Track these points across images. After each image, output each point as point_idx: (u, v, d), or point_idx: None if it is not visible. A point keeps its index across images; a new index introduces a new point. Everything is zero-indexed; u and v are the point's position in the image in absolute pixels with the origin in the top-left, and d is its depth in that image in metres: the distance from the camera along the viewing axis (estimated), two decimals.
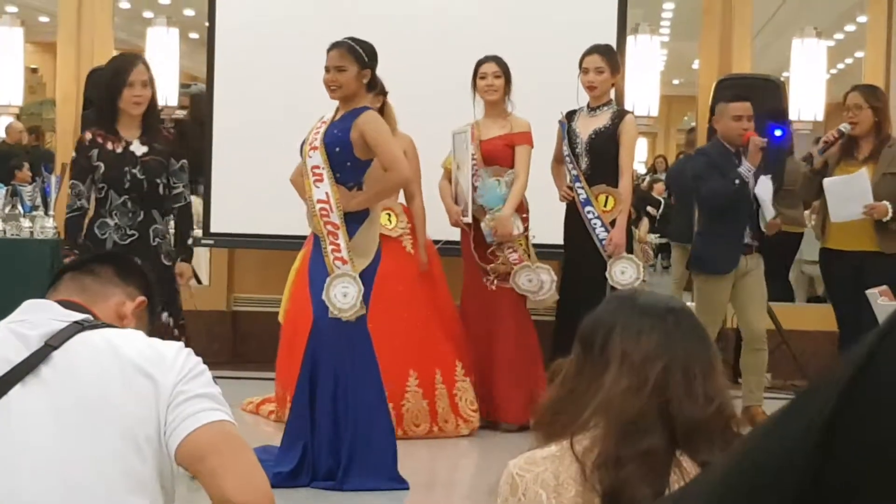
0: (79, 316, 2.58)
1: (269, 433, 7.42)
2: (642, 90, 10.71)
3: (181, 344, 2.55)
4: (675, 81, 20.26)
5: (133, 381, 2.42)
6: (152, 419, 2.42)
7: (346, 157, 6.44)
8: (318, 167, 6.49)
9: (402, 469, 6.43)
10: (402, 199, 7.96)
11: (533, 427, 2.53)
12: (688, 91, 19.07)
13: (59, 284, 2.77)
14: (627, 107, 8.85)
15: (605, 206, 7.80)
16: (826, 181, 7.75)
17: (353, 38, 6.75)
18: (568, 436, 2.37)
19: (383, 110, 7.65)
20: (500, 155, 7.91)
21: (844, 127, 7.83)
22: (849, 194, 7.63)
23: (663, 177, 17.27)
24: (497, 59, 7.97)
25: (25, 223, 9.72)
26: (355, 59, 6.59)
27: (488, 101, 7.96)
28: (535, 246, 8.01)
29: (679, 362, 2.37)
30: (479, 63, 8.00)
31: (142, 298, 2.82)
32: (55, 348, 2.47)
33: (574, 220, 7.93)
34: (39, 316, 2.56)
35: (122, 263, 2.90)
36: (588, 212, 7.79)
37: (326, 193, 6.43)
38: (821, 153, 7.92)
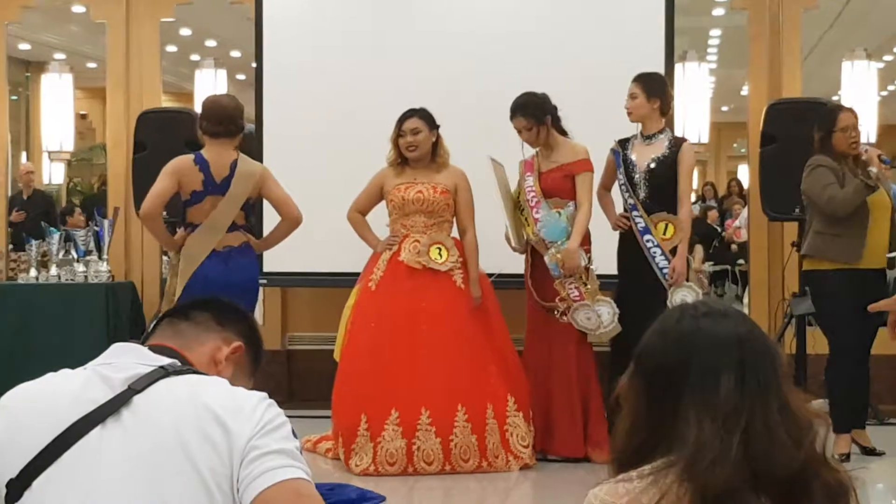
0: (165, 360, 2.55)
1: (326, 471, 7.40)
2: (692, 118, 10.65)
3: (264, 395, 2.49)
4: (724, 108, 20.15)
5: (209, 431, 2.38)
6: (226, 471, 2.37)
7: None
8: None
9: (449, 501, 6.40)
10: (454, 232, 7.94)
11: (610, 465, 2.44)
12: (737, 118, 18.97)
13: (156, 329, 2.75)
14: (676, 134, 8.74)
15: (664, 234, 7.73)
16: None
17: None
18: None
19: (437, 144, 7.75)
20: (558, 186, 7.88)
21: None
22: None
23: (715, 204, 17.21)
24: (520, 112, 7.91)
25: (79, 268, 9.76)
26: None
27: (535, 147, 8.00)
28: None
29: (761, 410, 2.25)
30: (511, 116, 7.95)
31: (238, 344, 2.77)
32: (137, 392, 2.44)
33: (629, 249, 7.86)
34: (125, 359, 2.54)
35: (222, 309, 2.84)
36: (647, 240, 7.72)
37: None
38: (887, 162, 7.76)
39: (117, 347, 2.60)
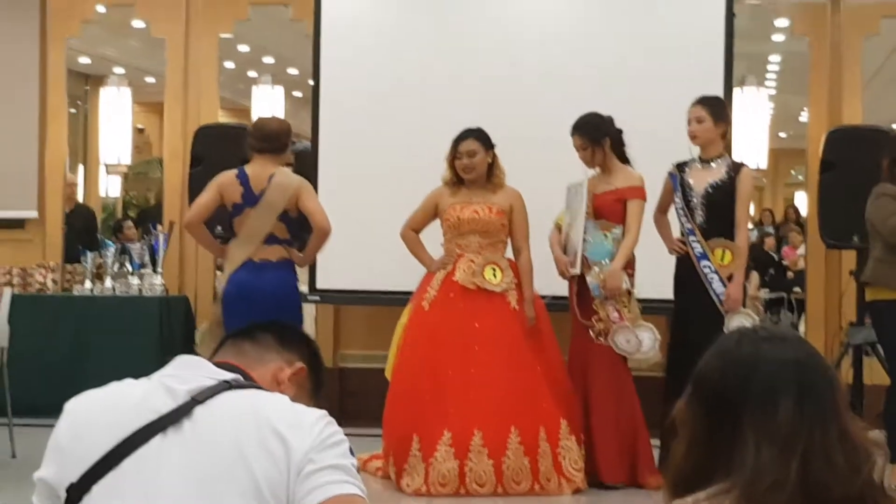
0: (229, 375, 2.56)
1: (376, 490, 7.38)
2: (750, 143, 10.58)
3: (324, 412, 2.50)
4: (782, 134, 20.07)
5: (268, 443, 2.39)
6: (282, 484, 2.37)
7: None
8: None
9: None
10: (509, 253, 7.92)
11: (665, 488, 2.41)
12: (795, 144, 18.87)
13: (219, 349, 2.77)
14: (735, 159, 8.67)
15: (721, 260, 7.67)
16: None
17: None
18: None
19: (493, 164, 7.73)
20: (609, 209, 7.84)
21: None
22: None
23: (772, 230, 17.11)
24: (578, 131, 7.90)
25: (134, 280, 9.82)
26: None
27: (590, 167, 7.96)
28: (640, 300, 7.88)
29: (819, 436, 2.22)
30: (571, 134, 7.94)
31: (301, 365, 2.77)
32: (200, 403, 2.46)
33: (686, 274, 7.79)
34: (190, 372, 2.55)
35: (284, 331, 2.85)
36: (704, 266, 7.65)
37: None
38: None
39: (182, 360, 2.62)
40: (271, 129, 7.56)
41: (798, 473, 2.17)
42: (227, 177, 7.49)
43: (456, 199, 7.84)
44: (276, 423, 2.41)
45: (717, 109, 7.87)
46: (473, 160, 7.78)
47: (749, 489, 2.18)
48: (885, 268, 7.65)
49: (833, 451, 2.21)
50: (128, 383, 2.59)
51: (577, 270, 7.80)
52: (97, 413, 2.50)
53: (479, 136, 7.84)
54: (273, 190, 7.36)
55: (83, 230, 11.64)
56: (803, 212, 18.82)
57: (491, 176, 7.86)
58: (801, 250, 15.21)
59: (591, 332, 7.67)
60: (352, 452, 2.48)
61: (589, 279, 7.73)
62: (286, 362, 2.76)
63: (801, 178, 26.29)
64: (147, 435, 2.42)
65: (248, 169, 7.48)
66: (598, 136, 7.86)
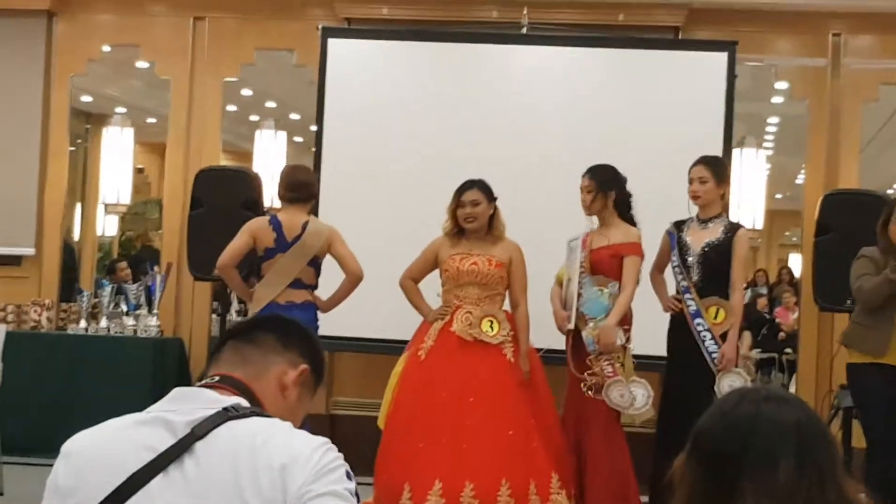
0: (228, 402, 2.57)
1: None
2: (747, 203, 10.64)
3: (324, 440, 2.52)
4: (778, 196, 20.12)
5: (266, 480, 2.41)
6: None
7: None
8: None
9: None
10: (507, 306, 7.95)
11: None
12: (791, 206, 18.92)
13: (221, 354, 2.78)
14: (732, 220, 8.71)
15: (714, 318, 7.72)
16: None
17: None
18: None
19: (494, 216, 7.79)
20: (605, 265, 7.88)
21: None
22: None
23: (765, 291, 17.14)
24: (590, 173, 7.98)
25: (129, 321, 9.84)
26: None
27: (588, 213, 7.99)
28: (634, 357, 7.91)
29: (818, 496, 2.27)
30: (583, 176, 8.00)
31: (304, 367, 2.79)
32: (199, 438, 2.47)
33: (679, 332, 7.85)
34: (188, 405, 2.57)
35: (284, 329, 2.86)
36: (698, 324, 7.71)
37: None
38: None
39: (179, 392, 2.64)
40: (301, 179, 7.99)
41: None
42: (260, 223, 7.96)
43: (456, 251, 7.89)
44: (274, 457, 2.44)
45: (719, 170, 7.95)
46: (476, 210, 7.84)
47: None
48: (856, 330, 7.69)
49: None
50: (125, 420, 2.60)
51: (570, 325, 7.84)
52: (96, 454, 2.52)
53: (483, 187, 7.92)
54: (309, 236, 7.80)
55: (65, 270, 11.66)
56: (797, 273, 18.91)
57: (491, 228, 7.92)
58: (794, 313, 15.27)
59: (583, 386, 7.69)
60: (349, 476, 2.49)
61: (584, 334, 7.76)
62: (289, 363, 2.78)
63: (795, 239, 26.40)
64: (149, 475, 2.45)
65: (281, 217, 7.90)
66: (606, 185, 7.92)
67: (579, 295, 7.82)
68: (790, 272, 18.54)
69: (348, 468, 2.50)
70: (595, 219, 8.02)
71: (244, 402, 2.61)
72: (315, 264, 7.92)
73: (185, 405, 2.57)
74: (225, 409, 2.55)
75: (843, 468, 2.36)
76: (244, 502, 2.40)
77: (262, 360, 2.76)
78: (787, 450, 2.29)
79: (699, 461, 2.37)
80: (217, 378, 2.68)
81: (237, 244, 7.87)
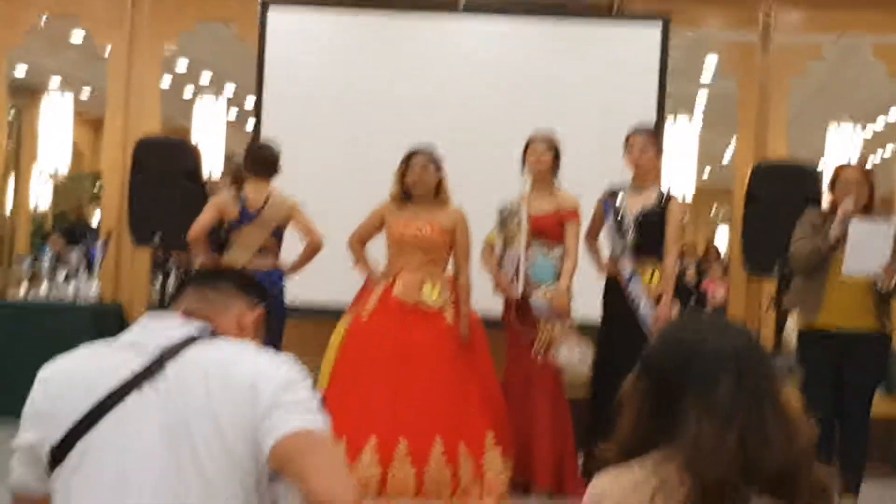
0: (195, 327, 2.71)
1: None
2: (679, 175, 10.79)
3: (288, 357, 2.67)
4: (704, 174, 20.36)
5: (237, 392, 2.54)
6: (249, 429, 2.53)
7: None
8: None
9: None
10: (450, 270, 8.09)
11: (612, 455, 2.59)
12: (717, 184, 19.18)
13: (182, 295, 2.91)
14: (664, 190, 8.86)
15: (649, 281, 7.90)
16: (855, 222, 7.19)
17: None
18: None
19: (440, 184, 7.96)
20: (550, 230, 8.05)
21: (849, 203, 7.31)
22: (871, 245, 7.18)
23: (693, 265, 17.34)
24: (547, 136, 8.14)
25: (69, 286, 9.86)
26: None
27: (537, 172, 8.10)
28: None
29: (755, 411, 2.44)
30: (531, 139, 8.16)
31: (261, 310, 2.95)
32: (169, 358, 2.60)
33: (614, 295, 8.00)
34: (158, 328, 2.70)
35: (241, 277, 3.02)
36: (632, 287, 7.87)
37: None
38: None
39: (149, 317, 2.79)
40: (268, 155, 8.45)
41: (736, 444, 2.40)
42: (226, 197, 8.40)
43: (401, 216, 7.99)
44: (243, 373, 2.58)
45: (658, 140, 8.14)
46: (425, 175, 7.95)
47: (690, 456, 2.40)
48: (795, 292, 7.64)
49: (768, 426, 2.44)
50: (97, 347, 2.74)
51: (519, 290, 7.98)
52: (71, 377, 2.65)
53: (430, 153, 8.04)
54: (270, 208, 8.33)
55: None
56: (723, 249, 19.15)
57: (438, 194, 8.03)
58: (722, 287, 15.49)
59: (536, 347, 7.86)
60: (314, 388, 2.64)
61: (533, 299, 7.92)
62: (247, 306, 2.93)
63: (720, 216, 26.70)
64: (122, 393, 2.58)
65: (246, 190, 8.36)
66: (558, 152, 8.13)
67: (526, 260, 7.96)
68: (717, 250, 18.79)
69: (312, 381, 2.65)
70: (528, 184, 8.17)
71: (209, 329, 2.75)
72: (278, 234, 8.46)
73: (154, 330, 2.71)
74: (192, 334, 2.69)
75: (781, 389, 2.55)
76: (215, 415, 2.53)
77: (222, 301, 2.89)
78: (727, 369, 2.48)
79: (648, 379, 2.56)
80: (181, 312, 2.82)
81: (205, 217, 8.26)
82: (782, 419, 2.47)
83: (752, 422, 2.43)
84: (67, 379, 2.65)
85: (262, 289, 3.03)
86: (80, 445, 2.56)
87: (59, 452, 2.57)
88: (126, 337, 2.72)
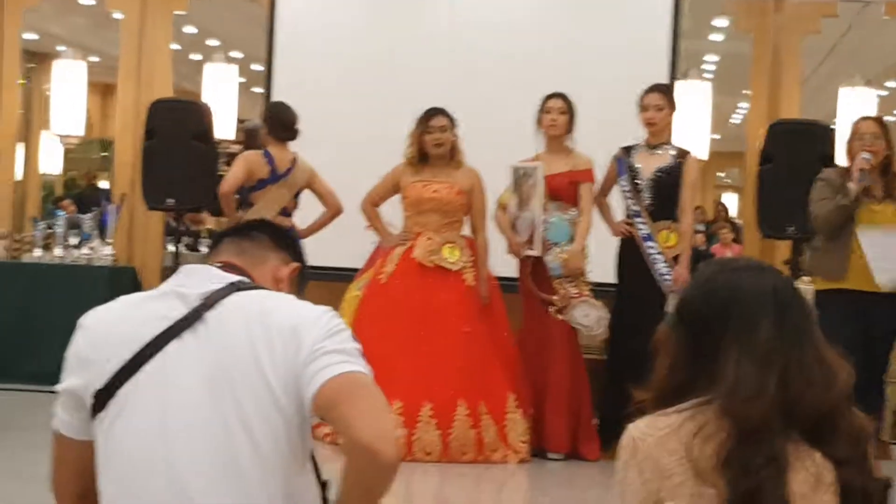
0: (235, 278, 2.71)
1: (325, 455, 7.46)
2: (692, 134, 10.74)
3: (327, 307, 2.67)
4: (714, 136, 20.30)
5: (279, 341, 2.53)
6: (293, 377, 2.52)
7: None
8: None
9: (446, 494, 6.58)
10: (466, 231, 8.10)
11: (648, 402, 2.58)
12: (726, 147, 19.12)
13: (219, 247, 2.91)
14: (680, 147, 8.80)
15: (666, 241, 7.87)
16: (863, 234, 7.19)
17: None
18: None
19: (454, 144, 7.96)
20: (564, 191, 8.02)
21: (866, 156, 7.19)
22: (891, 251, 7.16)
23: (703, 228, 17.35)
24: (563, 96, 8.10)
25: (83, 250, 9.88)
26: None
27: (551, 136, 8.08)
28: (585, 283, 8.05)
29: (796, 352, 2.42)
30: (546, 98, 8.11)
31: (296, 265, 2.94)
32: (210, 307, 2.60)
33: (629, 256, 7.97)
34: (197, 278, 2.70)
35: (277, 232, 3.02)
36: (649, 247, 7.84)
37: None
38: (861, 180, 7.14)
39: (189, 268, 2.78)
40: (291, 118, 8.48)
41: (776, 387, 2.38)
42: (256, 156, 8.45)
43: (417, 178, 7.98)
44: (284, 320, 2.57)
45: (671, 98, 8.10)
46: (444, 135, 7.93)
47: (729, 400, 2.37)
48: (817, 255, 7.57)
49: (808, 369, 2.41)
50: (138, 296, 2.75)
51: (537, 252, 7.95)
52: (113, 324, 2.64)
53: (447, 114, 8.01)
54: (298, 171, 8.44)
55: None
56: (732, 212, 19.12)
57: (453, 155, 8.02)
58: (730, 250, 15.48)
59: (552, 309, 7.84)
60: (355, 338, 2.62)
61: (549, 259, 7.91)
62: (282, 261, 2.93)
63: (729, 180, 26.69)
64: (164, 340, 2.57)
65: (272, 151, 8.42)
66: (573, 111, 8.10)
67: (544, 221, 7.96)
68: (725, 209, 18.77)
69: (351, 333, 2.64)
70: (541, 145, 8.17)
71: (247, 281, 2.76)
72: (297, 196, 8.65)
73: (194, 279, 2.70)
74: (232, 283, 2.69)
75: (819, 331, 2.54)
76: (257, 359, 2.52)
77: (259, 254, 2.89)
78: (766, 311, 2.45)
79: (684, 326, 2.53)
80: (219, 264, 2.82)
81: (236, 173, 8.35)
82: (822, 361, 2.45)
83: (792, 364, 2.41)
84: (109, 326, 2.65)
85: (297, 246, 3.03)
86: (123, 392, 2.56)
87: (102, 399, 2.58)
88: (166, 286, 2.72)
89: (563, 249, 7.89)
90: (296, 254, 2.99)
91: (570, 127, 8.10)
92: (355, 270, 8.35)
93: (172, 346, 2.57)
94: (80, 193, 16.27)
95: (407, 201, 8.03)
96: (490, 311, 7.96)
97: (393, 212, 8.25)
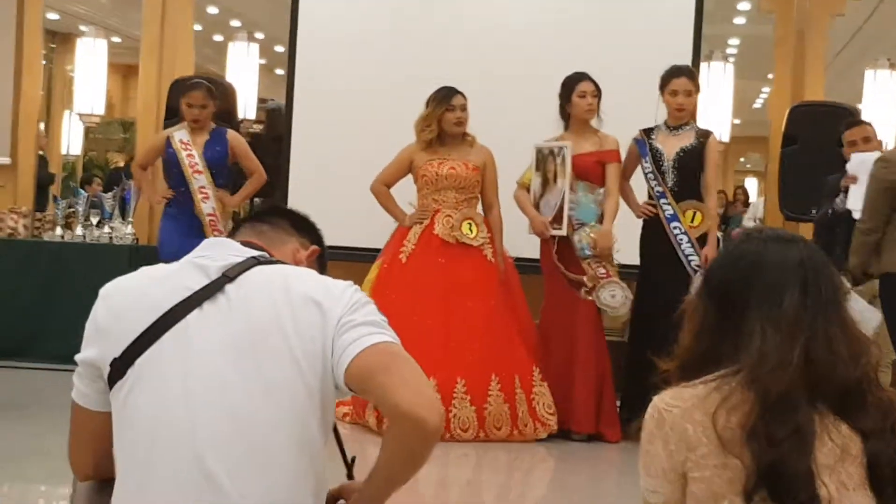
0: (255, 252, 2.71)
1: (343, 435, 7.48)
2: (715, 117, 10.72)
3: (350, 282, 2.65)
4: (736, 121, 20.24)
5: (303, 311, 2.52)
6: (319, 348, 2.51)
7: None
8: None
9: (480, 471, 6.60)
10: (480, 209, 8.13)
11: (673, 373, 2.57)
12: (747, 131, 19.05)
13: (239, 230, 2.91)
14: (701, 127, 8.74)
15: (692, 221, 7.84)
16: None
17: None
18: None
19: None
20: (591, 171, 8.01)
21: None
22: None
23: (721, 211, 17.29)
24: (592, 79, 8.08)
25: (104, 229, 9.89)
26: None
27: (586, 119, 8.08)
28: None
29: (822, 324, 2.40)
30: (577, 80, 8.07)
31: (316, 248, 2.93)
32: (232, 279, 2.59)
33: (654, 237, 7.94)
34: (219, 251, 2.69)
35: (297, 216, 3.00)
36: (675, 227, 7.80)
37: None
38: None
39: (211, 241, 2.77)
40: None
41: (801, 358, 2.36)
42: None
43: (432, 157, 8.03)
44: (308, 292, 2.55)
45: (697, 81, 8.08)
46: (465, 113, 8.04)
47: (754, 371, 2.36)
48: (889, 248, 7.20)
49: (834, 341, 2.40)
50: (159, 267, 2.73)
51: (563, 232, 7.92)
52: (133, 294, 2.63)
53: (464, 94, 8.08)
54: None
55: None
56: (752, 195, 19.03)
57: (465, 134, 8.09)
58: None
59: (583, 290, 7.83)
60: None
61: (577, 239, 7.89)
62: (301, 245, 2.91)
63: (749, 165, 26.59)
64: (184, 310, 2.55)
65: None
66: (600, 92, 8.08)
67: (571, 201, 7.94)
68: (745, 192, 18.70)
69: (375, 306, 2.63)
70: (560, 127, 8.15)
71: (268, 256, 2.76)
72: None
73: (215, 252, 2.69)
74: (253, 256, 2.69)
75: (846, 300, 2.52)
76: (282, 329, 2.51)
77: (278, 237, 2.88)
78: (793, 282, 2.44)
79: (710, 296, 2.52)
80: (240, 242, 2.80)
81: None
82: (848, 334, 2.43)
83: (818, 335, 2.39)
84: (129, 295, 2.64)
85: (317, 230, 3.02)
86: (141, 361, 2.54)
87: (120, 367, 2.57)
88: (188, 258, 2.71)
89: (592, 229, 7.87)
90: (315, 237, 2.99)
91: (598, 108, 8.08)
92: (377, 251, 8.34)
93: (193, 316, 2.55)
94: (102, 173, 16.31)
95: (424, 179, 8.05)
96: (509, 287, 8.02)
97: (399, 195, 8.27)
